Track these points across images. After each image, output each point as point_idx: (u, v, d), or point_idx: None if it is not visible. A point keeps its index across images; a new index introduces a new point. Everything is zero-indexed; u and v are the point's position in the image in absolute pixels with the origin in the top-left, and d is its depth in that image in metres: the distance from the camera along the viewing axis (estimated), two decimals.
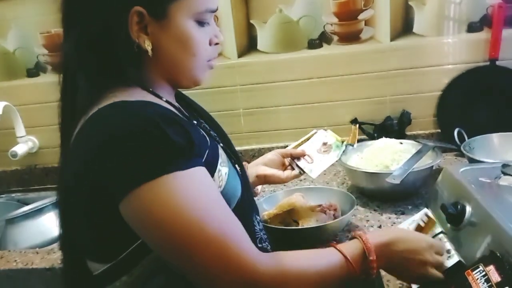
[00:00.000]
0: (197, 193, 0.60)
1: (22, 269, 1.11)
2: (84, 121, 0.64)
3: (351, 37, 1.47)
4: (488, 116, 1.44)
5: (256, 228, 0.80)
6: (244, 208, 0.75)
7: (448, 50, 1.46)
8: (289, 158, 1.06)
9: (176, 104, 0.76)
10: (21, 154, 1.60)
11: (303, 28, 1.48)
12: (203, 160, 0.65)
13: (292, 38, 1.50)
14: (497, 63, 1.42)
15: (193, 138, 0.61)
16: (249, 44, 1.52)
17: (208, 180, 0.63)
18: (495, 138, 1.31)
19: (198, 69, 0.73)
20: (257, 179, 1.04)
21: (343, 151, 1.08)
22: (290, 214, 1.07)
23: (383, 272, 0.88)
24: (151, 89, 0.69)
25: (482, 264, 0.68)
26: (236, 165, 0.79)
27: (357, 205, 1.13)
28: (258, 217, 0.83)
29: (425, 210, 0.89)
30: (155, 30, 0.67)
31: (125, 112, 0.61)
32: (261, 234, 0.81)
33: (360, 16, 1.45)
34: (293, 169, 1.05)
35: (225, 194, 0.69)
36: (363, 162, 1.24)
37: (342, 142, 1.08)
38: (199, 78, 0.74)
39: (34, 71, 1.62)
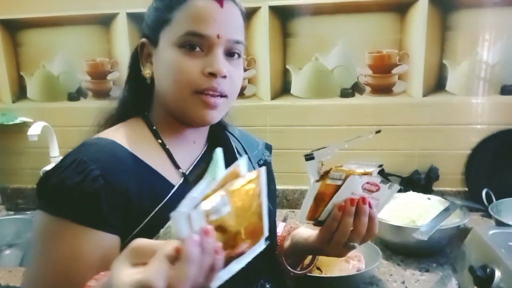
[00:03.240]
0: (57, 251, 0.60)
1: None
2: None
3: (383, 90, 1.51)
4: None
5: None
6: None
7: (480, 111, 1.47)
8: None
9: (193, 146, 0.75)
10: None
11: (337, 77, 1.52)
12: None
13: (325, 86, 1.54)
14: None
15: (98, 200, 0.59)
16: (283, 88, 1.56)
17: (84, 243, 0.59)
18: None
19: (185, 101, 0.66)
20: None
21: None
22: None
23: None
24: (154, 127, 0.72)
25: None
26: None
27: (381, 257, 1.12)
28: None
29: None
30: (154, 58, 0.70)
31: (74, 150, 0.64)
32: None
33: (394, 70, 1.49)
34: None
35: None
36: (389, 214, 1.24)
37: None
38: (192, 113, 0.67)
39: (75, 95, 1.69)
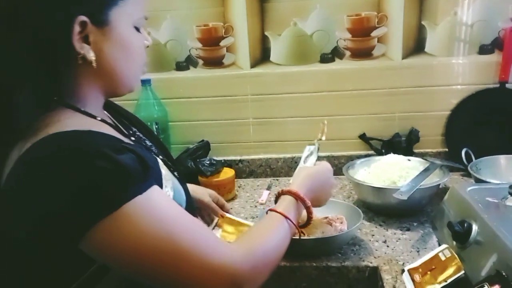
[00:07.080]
0: (160, 212, 0.59)
1: None
2: (18, 156, 0.59)
3: (363, 53, 1.49)
4: (495, 138, 1.44)
5: None
6: (191, 213, 0.74)
7: (459, 71, 1.47)
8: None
9: (109, 119, 0.75)
10: None
11: (317, 42, 1.50)
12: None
13: (305, 51, 1.52)
14: (507, 85, 1.44)
15: (147, 160, 0.60)
16: (262, 55, 1.54)
17: (165, 196, 0.64)
18: (502, 159, 1.32)
19: (135, 75, 0.73)
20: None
21: (318, 149, 1.10)
22: None
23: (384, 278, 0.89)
24: (82, 109, 0.66)
25: (487, 283, 0.69)
26: (175, 172, 0.79)
27: (363, 219, 1.14)
28: (198, 218, 0.84)
29: (446, 246, 0.89)
30: (97, 38, 0.64)
31: (68, 146, 0.57)
32: None
33: (373, 33, 1.47)
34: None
35: None
36: (370, 177, 1.26)
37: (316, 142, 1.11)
38: (134, 84, 0.74)
39: None
